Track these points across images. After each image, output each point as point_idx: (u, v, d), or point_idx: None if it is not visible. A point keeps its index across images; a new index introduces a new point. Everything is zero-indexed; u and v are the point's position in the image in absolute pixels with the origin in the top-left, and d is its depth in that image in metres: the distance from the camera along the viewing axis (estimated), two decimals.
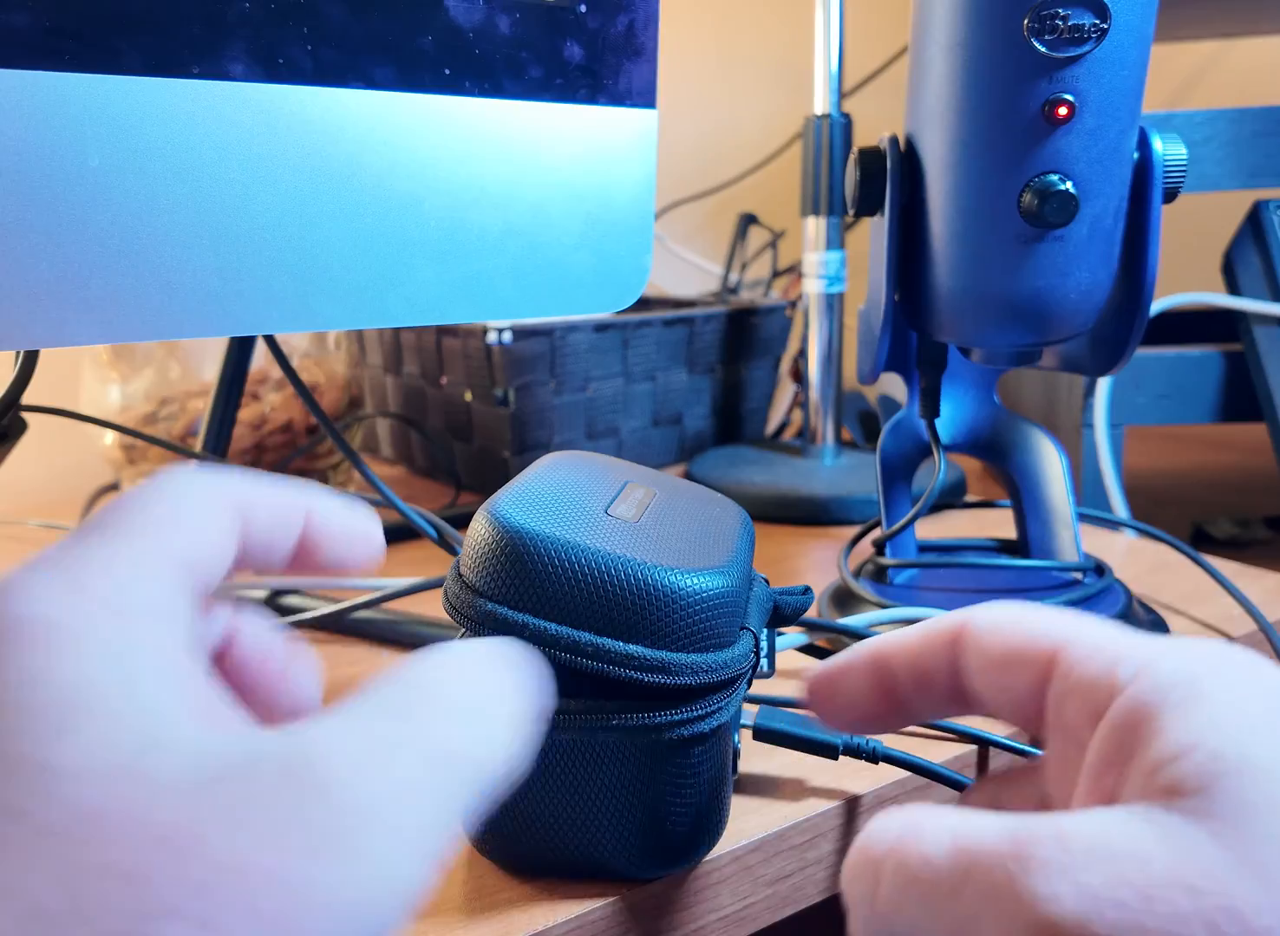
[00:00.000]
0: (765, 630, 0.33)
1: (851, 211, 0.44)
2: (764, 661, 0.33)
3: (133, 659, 0.17)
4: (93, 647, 0.17)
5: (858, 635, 0.42)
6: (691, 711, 0.27)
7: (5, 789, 0.15)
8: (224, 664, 0.23)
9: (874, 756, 0.33)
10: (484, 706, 0.19)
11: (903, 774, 0.34)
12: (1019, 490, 0.50)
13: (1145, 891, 0.16)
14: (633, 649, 0.26)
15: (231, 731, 0.17)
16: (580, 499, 0.30)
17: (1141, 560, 0.55)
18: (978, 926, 0.17)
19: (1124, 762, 0.19)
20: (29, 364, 0.42)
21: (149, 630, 0.18)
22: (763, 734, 0.32)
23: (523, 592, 0.26)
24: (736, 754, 0.32)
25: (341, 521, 0.24)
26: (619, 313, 0.52)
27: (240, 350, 0.52)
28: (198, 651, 0.19)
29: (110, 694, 0.16)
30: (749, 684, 0.30)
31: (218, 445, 0.53)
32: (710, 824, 0.29)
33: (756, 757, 0.35)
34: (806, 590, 0.34)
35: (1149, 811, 0.17)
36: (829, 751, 0.32)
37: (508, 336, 0.65)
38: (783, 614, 0.33)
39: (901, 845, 0.19)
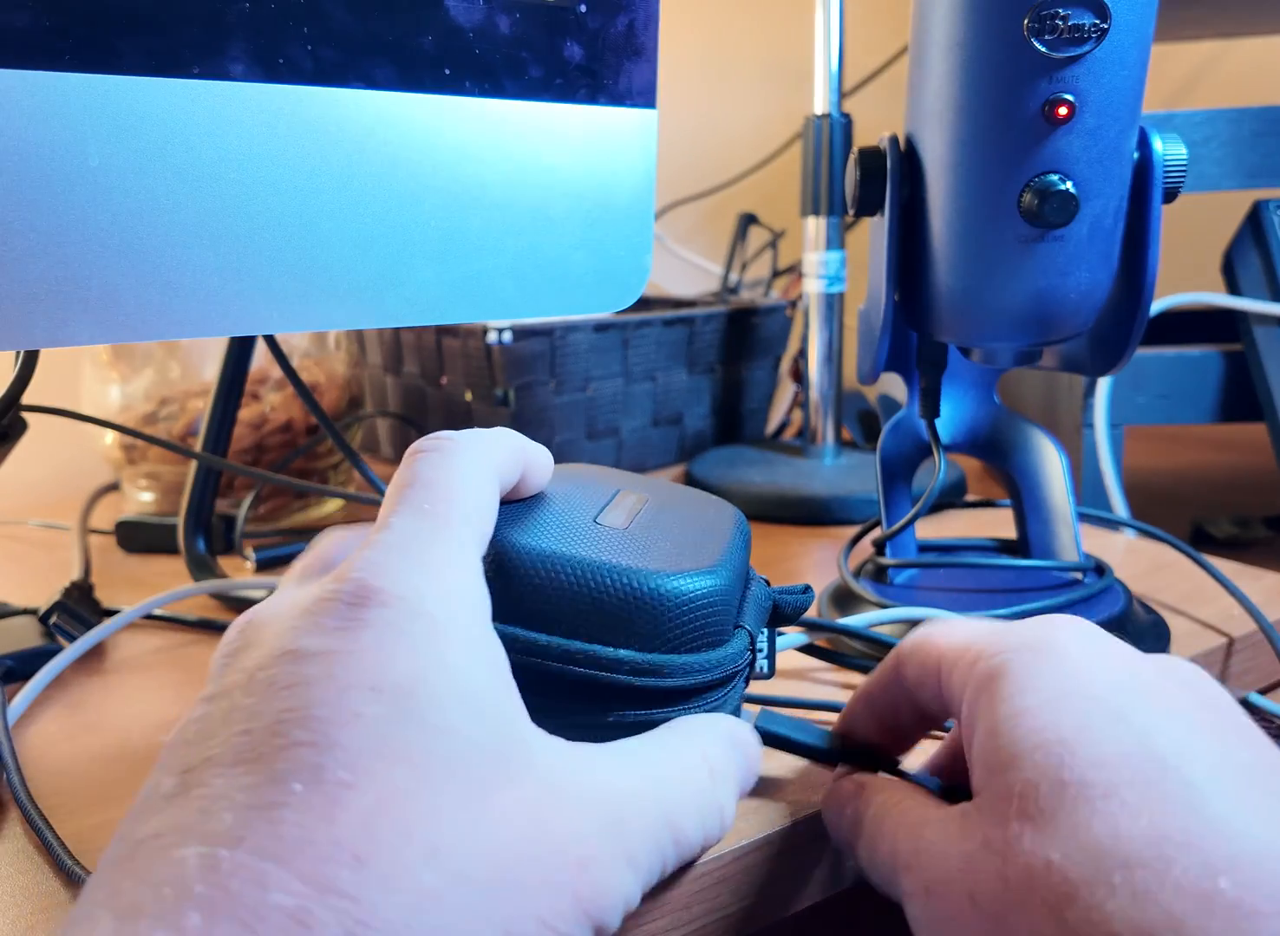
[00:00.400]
0: (765, 630, 0.33)
1: (851, 211, 0.44)
2: (763, 661, 0.33)
3: (487, 650, 0.21)
4: (459, 636, 0.21)
5: (858, 635, 0.42)
6: (687, 710, 0.27)
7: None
8: None
9: (874, 765, 0.33)
10: (705, 789, 0.25)
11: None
12: (1019, 490, 0.50)
13: (946, 869, 0.23)
14: (624, 653, 0.26)
15: (534, 731, 0.22)
16: (568, 510, 0.30)
17: (1141, 560, 0.55)
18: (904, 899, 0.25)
19: (970, 739, 0.25)
20: (29, 364, 0.42)
21: (487, 626, 0.22)
22: (762, 737, 0.32)
23: (511, 606, 0.26)
24: None
25: (540, 456, 0.30)
26: (619, 313, 0.52)
27: (240, 350, 0.52)
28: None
29: (480, 684, 0.20)
30: (746, 682, 0.31)
31: (218, 445, 0.53)
32: None
33: None
34: (807, 589, 0.34)
35: (967, 809, 0.24)
36: (827, 757, 0.32)
37: (508, 336, 0.65)
38: (783, 613, 0.33)
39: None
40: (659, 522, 0.31)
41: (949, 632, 0.28)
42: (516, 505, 0.29)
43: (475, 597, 0.22)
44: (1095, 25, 0.35)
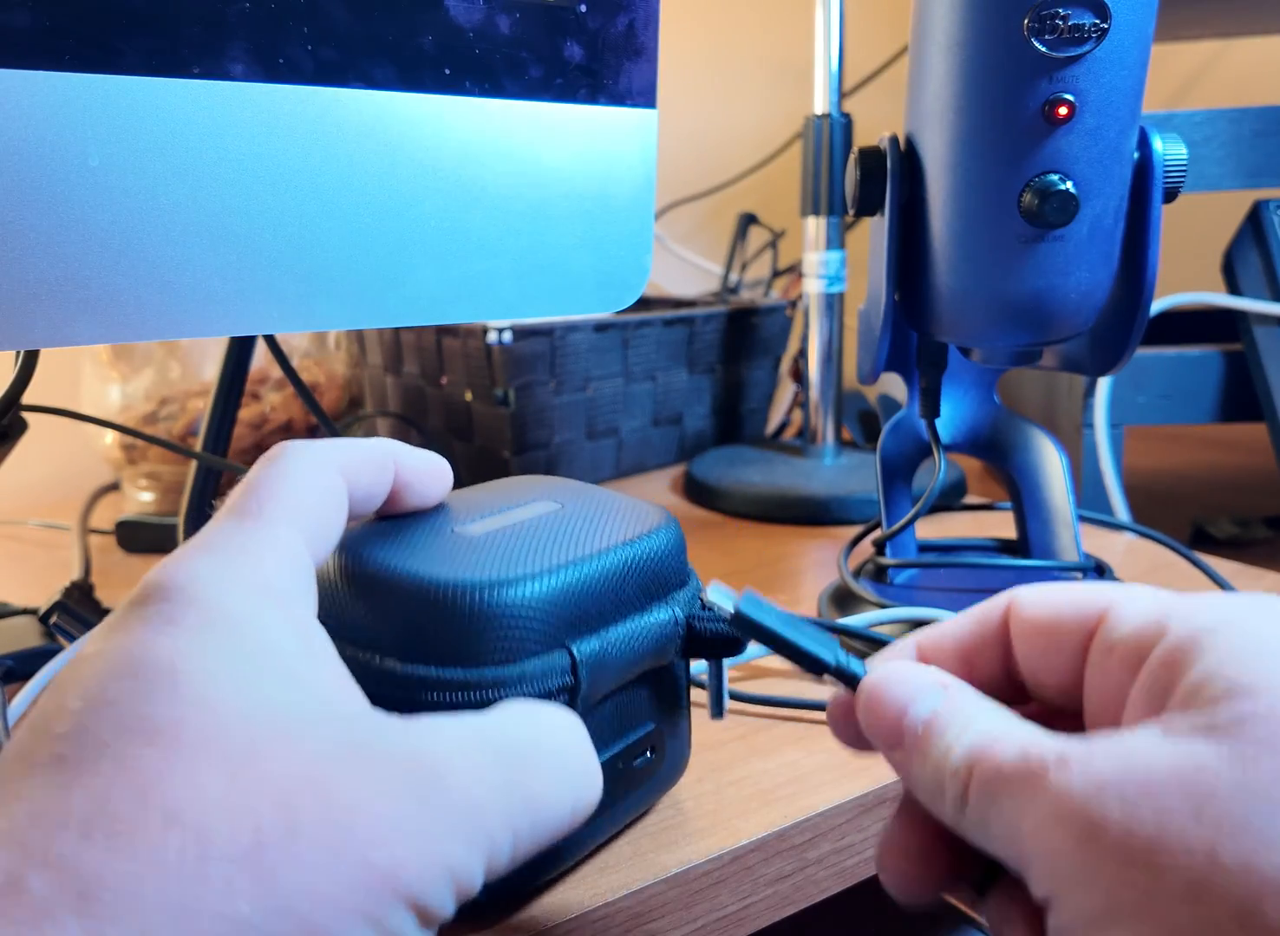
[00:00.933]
0: (685, 662, 0.31)
1: (851, 211, 0.44)
2: (712, 700, 0.31)
3: (285, 632, 0.20)
4: (255, 630, 0.20)
5: (858, 635, 0.42)
6: None
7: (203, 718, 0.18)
8: None
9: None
10: (565, 756, 0.22)
11: None
12: (1019, 490, 0.50)
13: (1145, 784, 0.18)
14: (388, 664, 0.25)
15: (361, 707, 0.20)
16: (438, 520, 0.29)
17: (1141, 560, 0.55)
18: (1019, 821, 0.20)
19: (1163, 695, 0.20)
20: (29, 364, 0.42)
21: (298, 613, 0.21)
22: (742, 623, 0.26)
23: (338, 613, 0.26)
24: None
25: (423, 464, 0.28)
26: (619, 313, 0.52)
27: (240, 350, 0.52)
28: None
29: (265, 662, 0.20)
30: (576, 703, 0.27)
31: (218, 445, 0.53)
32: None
33: (756, 757, 0.35)
34: (737, 616, 0.26)
35: (1166, 724, 0.20)
36: (815, 666, 0.25)
37: (508, 336, 0.65)
38: (701, 638, 0.29)
39: (984, 755, 0.21)
40: (529, 531, 0.28)
41: (1095, 593, 0.24)
42: (394, 517, 0.28)
43: (280, 585, 0.21)
44: (1095, 25, 0.35)
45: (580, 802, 0.22)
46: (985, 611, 0.25)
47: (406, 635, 0.25)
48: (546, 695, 0.26)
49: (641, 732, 0.30)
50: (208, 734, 0.18)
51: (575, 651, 0.26)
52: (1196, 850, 0.17)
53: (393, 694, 0.24)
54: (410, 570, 0.26)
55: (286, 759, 0.18)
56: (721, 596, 0.26)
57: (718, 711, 0.31)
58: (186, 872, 0.16)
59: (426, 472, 0.28)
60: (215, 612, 0.20)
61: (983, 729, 0.22)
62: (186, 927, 0.16)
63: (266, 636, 0.20)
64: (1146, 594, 0.23)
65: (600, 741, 0.27)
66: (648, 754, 0.30)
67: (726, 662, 0.31)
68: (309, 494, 0.23)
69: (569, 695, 0.26)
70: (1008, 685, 0.25)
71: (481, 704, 0.25)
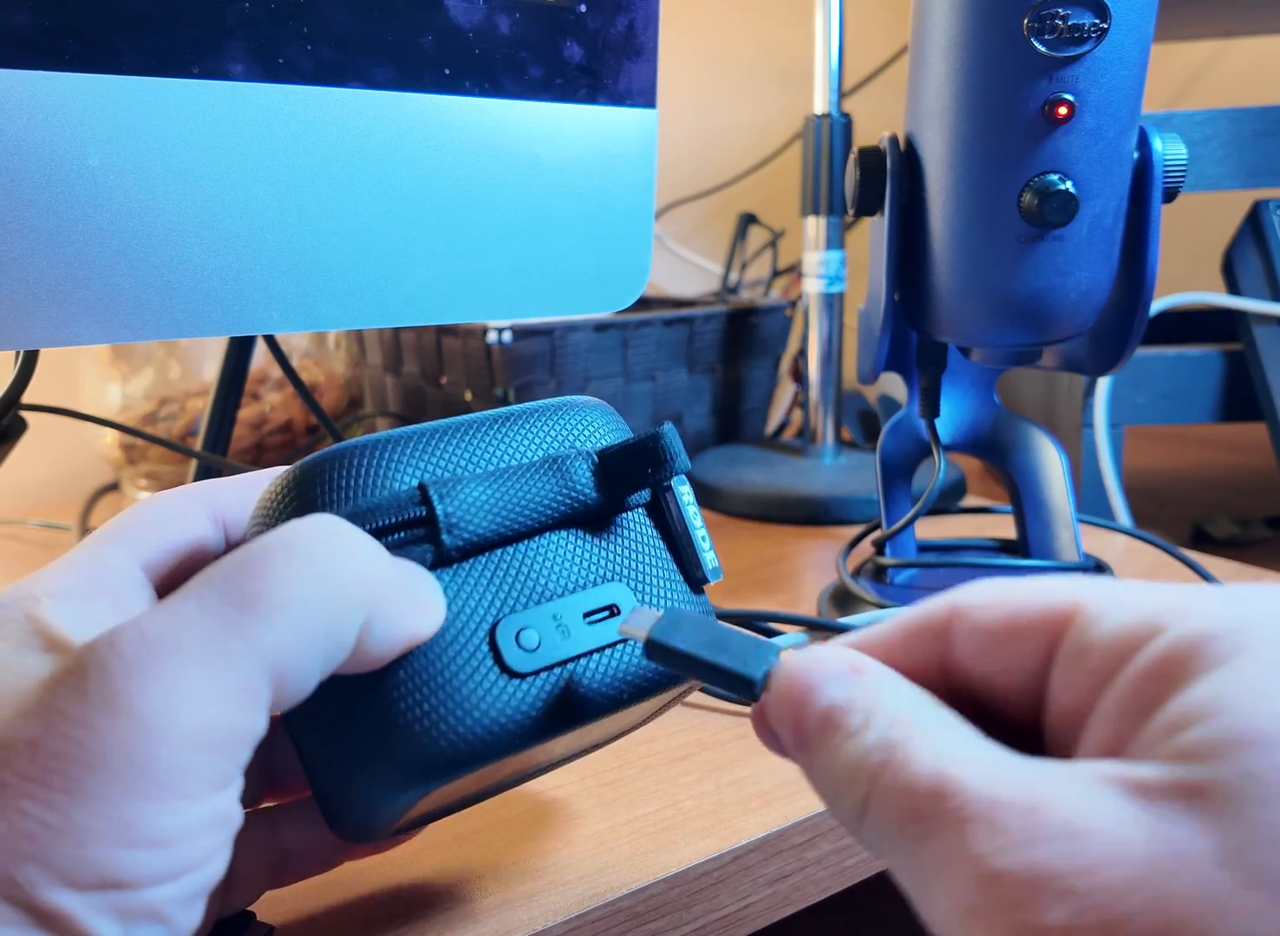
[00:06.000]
0: (644, 508, 0.27)
1: (851, 211, 0.44)
2: (683, 549, 0.27)
3: (63, 621, 0.21)
4: (11, 622, 0.21)
5: None
6: None
7: None
8: None
9: None
10: (293, 543, 0.20)
11: None
12: (1019, 490, 0.50)
13: (1109, 883, 0.13)
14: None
15: (78, 646, 0.19)
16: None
17: (1141, 560, 0.55)
18: (936, 882, 0.15)
19: (1143, 714, 0.16)
20: (29, 364, 0.42)
21: (76, 603, 0.21)
22: (655, 651, 0.22)
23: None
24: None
25: None
26: (619, 312, 0.52)
27: (240, 350, 0.52)
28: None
29: (34, 639, 0.20)
30: (436, 544, 0.24)
31: (217, 445, 0.53)
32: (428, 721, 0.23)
33: (756, 757, 0.35)
34: (664, 423, 0.26)
35: (1134, 770, 0.15)
36: (743, 686, 0.21)
37: (508, 336, 0.65)
38: (617, 459, 0.26)
39: (891, 763, 0.17)
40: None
41: (1057, 589, 0.19)
42: None
43: (70, 586, 0.22)
44: (1095, 25, 0.35)
45: (337, 578, 0.20)
46: (919, 618, 0.20)
47: (267, 519, 0.24)
48: (397, 529, 0.23)
49: (596, 589, 0.26)
50: None
51: (431, 487, 0.24)
52: None
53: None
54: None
55: None
56: (640, 620, 0.23)
57: (694, 568, 0.27)
58: None
59: None
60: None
61: (896, 724, 0.17)
62: None
63: (21, 622, 0.21)
64: (1133, 587, 0.18)
65: (525, 594, 0.25)
66: (607, 614, 0.26)
67: (681, 488, 0.27)
68: (143, 515, 0.24)
69: (429, 528, 0.24)
70: (940, 692, 0.20)
71: None
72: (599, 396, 0.71)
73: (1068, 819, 0.14)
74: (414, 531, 0.24)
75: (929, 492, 0.46)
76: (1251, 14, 0.85)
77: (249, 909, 0.26)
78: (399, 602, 0.21)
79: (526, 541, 0.25)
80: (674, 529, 0.27)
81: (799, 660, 0.20)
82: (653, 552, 0.27)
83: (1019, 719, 0.19)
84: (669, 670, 0.25)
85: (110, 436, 0.66)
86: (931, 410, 0.48)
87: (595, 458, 0.26)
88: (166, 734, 0.17)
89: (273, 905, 0.27)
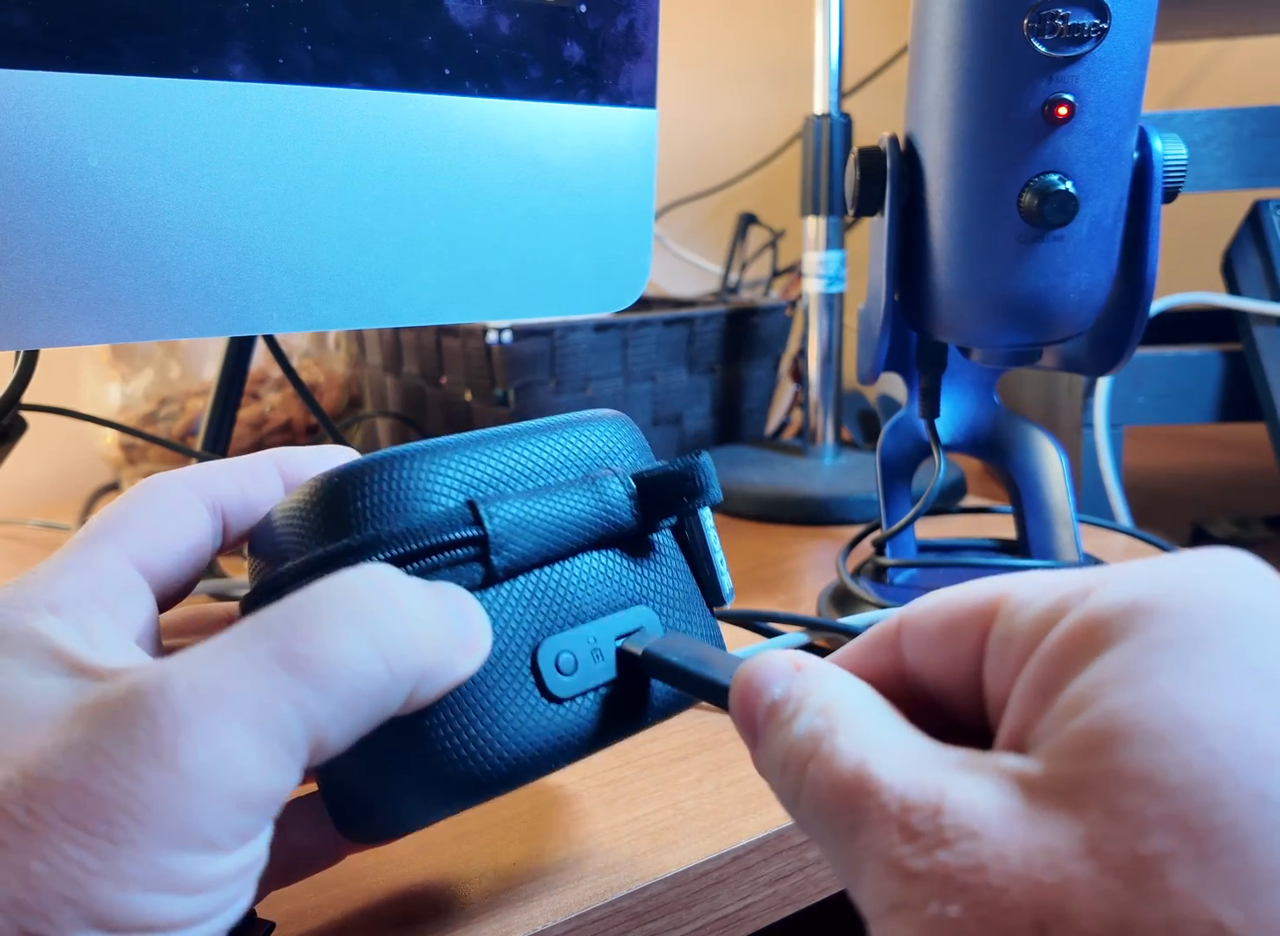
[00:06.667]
0: (671, 532, 0.28)
1: (851, 211, 0.44)
2: (703, 574, 0.28)
3: (69, 635, 0.20)
4: (23, 640, 0.20)
5: (857, 635, 0.42)
6: None
7: None
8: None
9: None
10: (348, 606, 0.19)
11: None
12: (1019, 490, 0.50)
13: (992, 881, 0.14)
14: (291, 563, 0.24)
15: (127, 674, 0.19)
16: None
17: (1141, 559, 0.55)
18: (864, 873, 0.16)
19: (1043, 700, 0.16)
20: (29, 364, 0.42)
21: (82, 613, 0.21)
22: (651, 666, 0.24)
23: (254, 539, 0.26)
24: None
25: (316, 459, 0.27)
26: (619, 312, 0.52)
27: (240, 350, 0.52)
28: (127, 631, 0.22)
29: (52, 660, 0.20)
30: (486, 566, 0.24)
31: (217, 445, 0.53)
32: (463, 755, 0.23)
33: None
34: (699, 453, 0.27)
35: (1026, 769, 0.16)
36: (719, 693, 0.23)
37: (508, 336, 0.65)
38: (653, 486, 0.26)
39: (818, 753, 0.18)
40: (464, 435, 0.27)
41: (986, 585, 0.20)
42: None
43: (71, 595, 0.21)
44: (1095, 25, 0.35)
45: (389, 643, 0.19)
46: (875, 632, 0.22)
47: (300, 532, 0.24)
48: (449, 548, 0.23)
49: (626, 612, 0.26)
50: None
51: (481, 505, 0.24)
52: None
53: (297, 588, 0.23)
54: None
55: (4, 761, 0.18)
56: (639, 637, 0.25)
57: (714, 590, 0.27)
58: None
59: (325, 465, 0.26)
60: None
61: (824, 712, 0.18)
62: None
63: (31, 640, 0.20)
64: (1055, 573, 0.19)
65: (563, 617, 0.25)
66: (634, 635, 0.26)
67: (707, 516, 0.28)
68: (141, 510, 0.24)
69: (479, 548, 0.23)
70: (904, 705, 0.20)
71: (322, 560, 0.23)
72: (599, 396, 0.71)
73: (967, 820, 0.15)
74: (464, 551, 0.23)
75: (929, 492, 0.46)
76: (1251, 14, 0.85)
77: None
78: (451, 654, 0.21)
79: (563, 562, 0.26)
80: (697, 552, 0.28)
81: (751, 663, 0.21)
82: (676, 574, 0.28)
83: (970, 717, 0.20)
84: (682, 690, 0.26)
85: (110, 436, 0.66)
86: (931, 410, 0.48)
87: (631, 481, 0.26)
88: (210, 792, 0.17)
89: (272, 903, 0.27)
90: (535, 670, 0.24)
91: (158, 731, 0.17)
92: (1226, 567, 0.17)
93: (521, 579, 0.25)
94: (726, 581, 0.28)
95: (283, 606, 0.19)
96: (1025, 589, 0.19)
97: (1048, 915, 0.14)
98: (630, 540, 0.27)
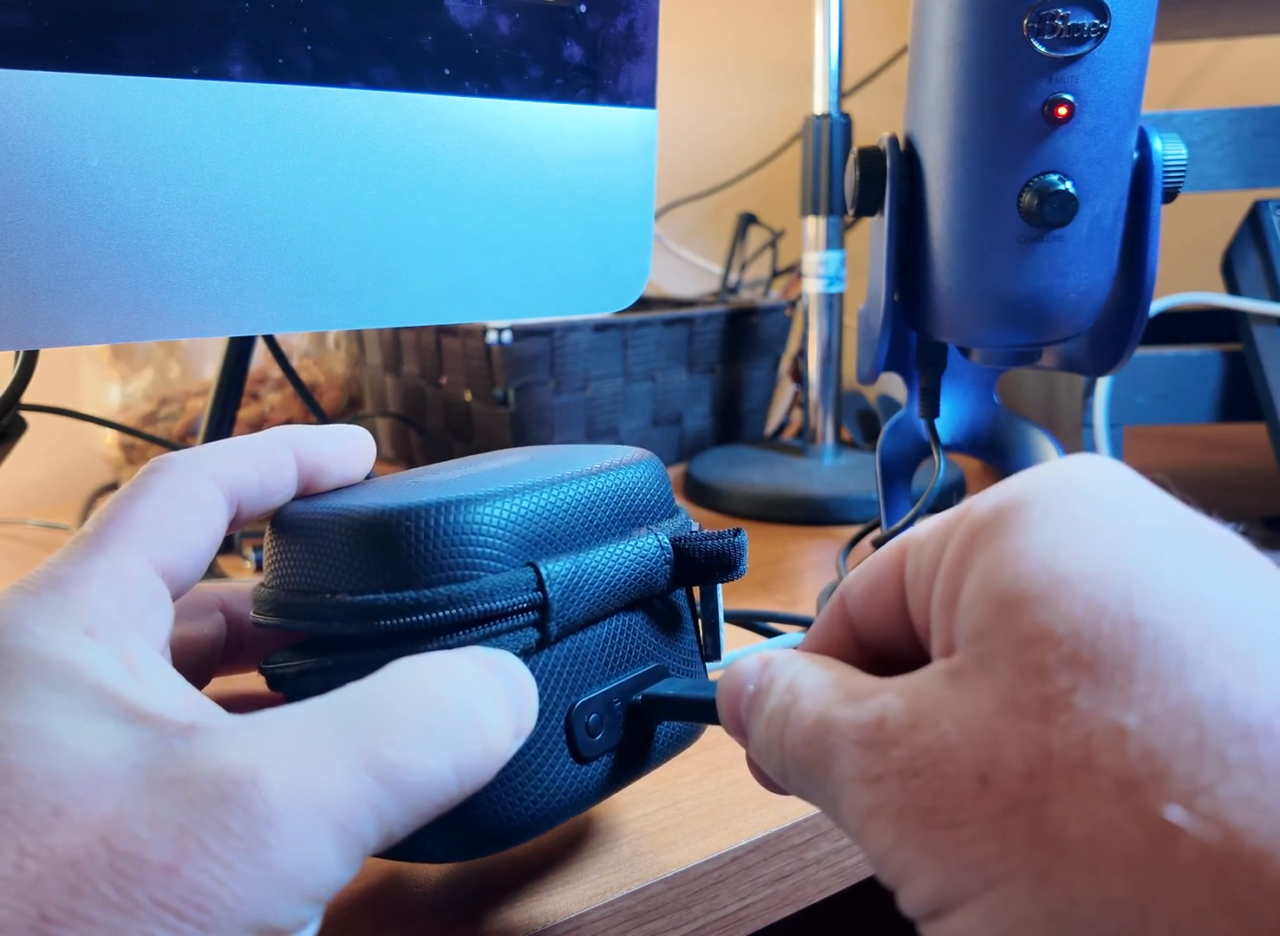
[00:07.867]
0: (687, 595, 0.30)
1: (851, 211, 0.44)
2: (706, 636, 0.29)
3: (108, 664, 0.20)
4: (62, 668, 0.19)
5: None
6: (416, 649, 0.22)
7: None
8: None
9: None
10: (432, 718, 0.20)
11: None
12: None
13: (934, 747, 0.17)
14: (340, 599, 0.23)
15: (186, 718, 0.19)
16: (409, 474, 0.28)
17: None
18: (841, 798, 0.19)
19: (952, 609, 0.19)
20: (29, 364, 0.42)
21: (122, 636, 0.20)
22: (651, 706, 0.26)
23: (273, 569, 0.26)
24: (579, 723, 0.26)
25: (333, 442, 0.26)
26: (619, 312, 0.52)
27: (240, 350, 0.52)
28: (155, 647, 0.22)
29: (97, 699, 0.19)
30: (542, 631, 0.24)
31: None
32: (508, 801, 0.24)
33: None
34: (737, 532, 0.28)
35: (953, 668, 0.18)
36: (709, 708, 0.25)
37: (508, 336, 0.65)
38: (692, 559, 0.27)
39: (787, 720, 0.20)
40: (492, 471, 0.27)
41: (895, 540, 0.22)
42: (341, 488, 0.27)
43: (103, 613, 0.21)
44: (1095, 25, 0.35)
45: (468, 768, 0.20)
46: (827, 611, 0.24)
47: (352, 566, 0.24)
48: (512, 614, 0.24)
49: (642, 670, 0.27)
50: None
51: (542, 568, 0.24)
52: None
53: (349, 630, 0.23)
54: (353, 505, 0.24)
55: (79, 824, 0.17)
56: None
57: (714, 650, 0.29)
58: None
59: (339, 450, 0.26)
60: (18, 660, 0.19)
61: (789, 689, 0.21)
62: None
63: (75, 672, 0.19)
64: (941, 515, 0.21)
65: (592, 678, 0.26)
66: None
67: (720, 591, 0.29)
68: (162, 507, 0.23)
69: (539, 614, 0.24)
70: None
71: (442, 628, 0.23)
72: (599, 396, 0.71)
73: (908, 719, 0.18)
74: (526, 616, 0.24)
75: (929, 492, 0.46)
76: (1251, 14, 0.85)
77: None
78: (509, 746, 0.22)
79: (599, 623, 0.26)
80: (706, 619, 0.29)
81: (727, 671, 0.23)
82: (684, 633, 0.29)
83: (915, 655, 0.22)
84: (688, 726, 0.29)
85: (110, 436, 0.66)
86: (931, 410, 0.48)
87: (670, 548, 0.27)
88: (292, 888, 0.18)
89: None
90: (568, 731, 0.25)
91: (253, 825, 0.18)
92: (1078, 464, 0.20)
93: (566, 641, 0.25)
94: (723, 642, 0.29)
95: (364, 698, 0.20)
96: (922, 529, 0.21)
97: (987, 766, 0.16)
98: (653, 599, 0.28)
